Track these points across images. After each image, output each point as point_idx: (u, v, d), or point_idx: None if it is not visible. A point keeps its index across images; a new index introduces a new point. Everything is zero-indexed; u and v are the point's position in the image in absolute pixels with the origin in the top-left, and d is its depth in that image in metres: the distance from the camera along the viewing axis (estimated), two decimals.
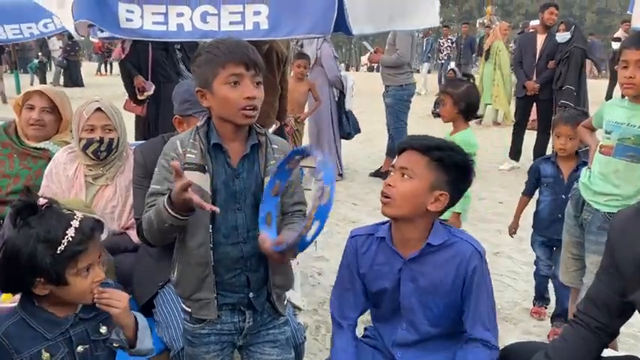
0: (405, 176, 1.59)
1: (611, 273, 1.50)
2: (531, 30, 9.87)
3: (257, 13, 2.39)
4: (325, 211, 1.29)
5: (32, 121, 2.58)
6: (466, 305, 1.65)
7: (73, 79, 15.88)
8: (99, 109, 2.28)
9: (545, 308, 3.15)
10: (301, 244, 1.37)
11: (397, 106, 6.04)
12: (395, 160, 1.67)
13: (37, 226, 1.29)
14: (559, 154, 2.88)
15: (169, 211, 1.42)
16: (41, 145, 2.59)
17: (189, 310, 1.62)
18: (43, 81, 15.93)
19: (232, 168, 1.55)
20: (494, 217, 4.95)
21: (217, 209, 1.43)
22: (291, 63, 4.84)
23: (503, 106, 9.55)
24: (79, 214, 1.35)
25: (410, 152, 1.63)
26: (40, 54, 15.96)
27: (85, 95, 12.86)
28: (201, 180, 1.49)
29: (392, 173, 1.64)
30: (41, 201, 1.33)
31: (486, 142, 8.82)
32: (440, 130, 3.30)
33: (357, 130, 6.44)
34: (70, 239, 1.29)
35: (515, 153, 6.82)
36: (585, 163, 2.72)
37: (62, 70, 16.20)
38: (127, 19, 2.43)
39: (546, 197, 2.93)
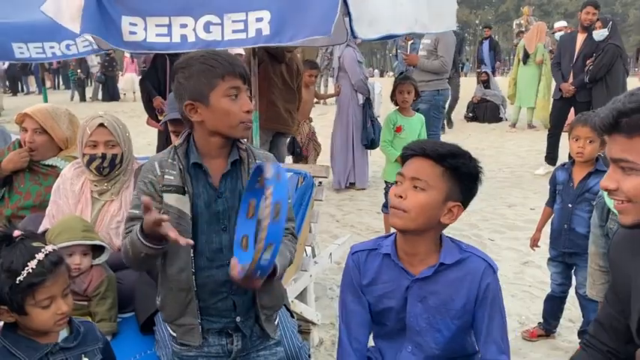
0: (418, 187, 1.47)
1: (615, 292, 1.39)
2: (557, 30, 9.66)
3: (259, 19, 2.37)
4: (275, 230, 1.19)
5: (25, 143, 2.60)
6: (479, 325, 1.54)
7: (110, 93, 16.33)
8: (102, 125, 2.26)
9: (547, 334, 2.92)
10: (261, 269, 1.28)
11: (432, 112, 5.57)
12: (403, 168, 1.53)
13: (4, 256, 1.33)
14: (576, 160, 2.65)
15: (143, 241, 1.37)
16: (49, 162, 2.62)
17: (174, 334, 1.57)
18: (82, 96, 16.48)
19: (214, 188, 1.49)
20: (525, 224, 4.75)
21: (192, 242, 1.38)
22: (302, 71, 4.84)
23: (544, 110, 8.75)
24: (48, 248, 1.37)
25: (421, 160, 1.49)
26: (79, 70, 16.48)
27: (121, 108, 13.21)
28: (181, 202, 1.44)
29: (400, 182, 1.52)
30: (15, 232, 1.38)
31: (520, 146, 8.56)
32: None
33: None
34: (30, 271, 1.32)
35: (551, 158, 6.55)
36: (600, 172, 2.56)
37: (101, 86, 16.68)
38: (131, 32, 2.44)
39: (557, 205, 2.74)
